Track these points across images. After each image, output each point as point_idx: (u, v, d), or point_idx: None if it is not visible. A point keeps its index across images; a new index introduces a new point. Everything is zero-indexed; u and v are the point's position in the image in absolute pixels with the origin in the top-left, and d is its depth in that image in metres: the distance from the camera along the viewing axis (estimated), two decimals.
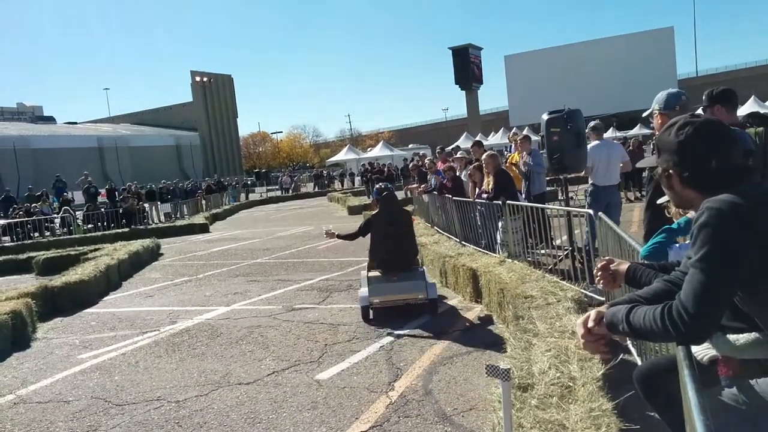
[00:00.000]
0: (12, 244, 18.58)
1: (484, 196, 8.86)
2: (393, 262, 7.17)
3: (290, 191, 43.95)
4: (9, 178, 51.94)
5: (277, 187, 48.88)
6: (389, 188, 7.81)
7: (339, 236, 7.76)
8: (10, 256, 14.69)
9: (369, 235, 7.45)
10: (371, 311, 6.95)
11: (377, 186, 7.97)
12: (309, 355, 5.88)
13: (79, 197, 29.73)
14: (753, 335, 2.01)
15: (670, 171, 2.07)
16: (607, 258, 2.70)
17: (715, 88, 4.31)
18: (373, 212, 7.72)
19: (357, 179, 43.12)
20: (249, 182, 54.36)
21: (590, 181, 8.27)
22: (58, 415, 4.88)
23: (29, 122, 74.65)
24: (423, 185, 13.77)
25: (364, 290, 7.05)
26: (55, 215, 23.36)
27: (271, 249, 14.24)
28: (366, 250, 7.75)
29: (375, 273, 7.21)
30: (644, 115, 4.36)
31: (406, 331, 6.39)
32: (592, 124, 8.85)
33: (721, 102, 4.21)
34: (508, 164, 10.85)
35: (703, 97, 4.33)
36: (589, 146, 8.18)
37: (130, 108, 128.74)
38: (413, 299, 6.97)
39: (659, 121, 3.93)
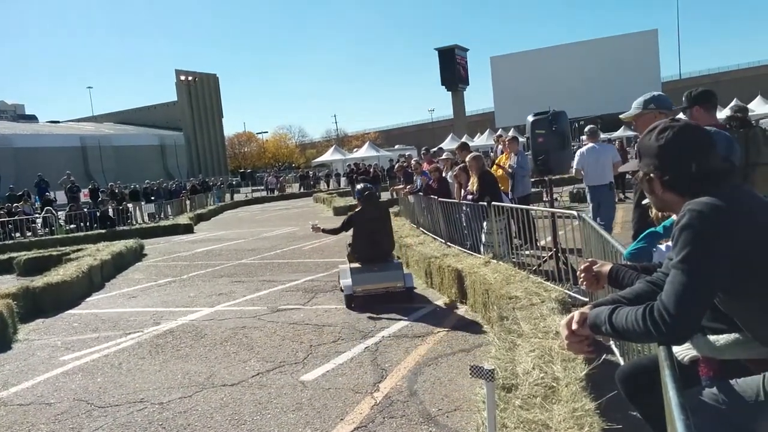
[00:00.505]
0: None
1: (470, 197, 8.89)
2: (373, 255, 7.90)
3: (275, 192, 43.81)
4: None
5: (262, 187, 48.69)
6: (370, 188, 8.57)
7: (324, 230, 8.47)
8: None
9: (351, 230, 8.10)
10: (353, 299, 7.62)
11: (359, 186, 8.66)
12: (294, 356, 5.87)
13: (61, 197, 29.42)
14: (733, 336, 2.04)
15: (651, 175, 2.10)
16: (590, 259, 2.72)
17: (694, 89, 4.34)
18: (356, 210, 8.30)
19: (343, 180, 43.07)
20: (234, 182, 54.06)
21: (586, 185, 8.73)
22: (39, 418, 4.83)
23: (11, 121, 73.71)
24: (409, 186, 13.79)
25: (347, 281, 7.65)
26: (37, 215, 23.12)
27: (257, 250, 14.19)
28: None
29: (356, 265, 7.87)
30: (622, 116, 4.30)
31: (391, 332, 6.40)
32: (588, 128, 9.24)
33: (701, 103, 4.24)
34: (495, 166, 10.90)
35: (683, 99, 4.36)
36: (578, 150, 8.45)
37: (114, 107, 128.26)
38: (392, 287, 7.64)
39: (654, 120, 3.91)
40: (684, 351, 2.26)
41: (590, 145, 8.73)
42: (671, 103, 4.01)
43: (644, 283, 2.28)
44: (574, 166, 8.60)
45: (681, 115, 4.04)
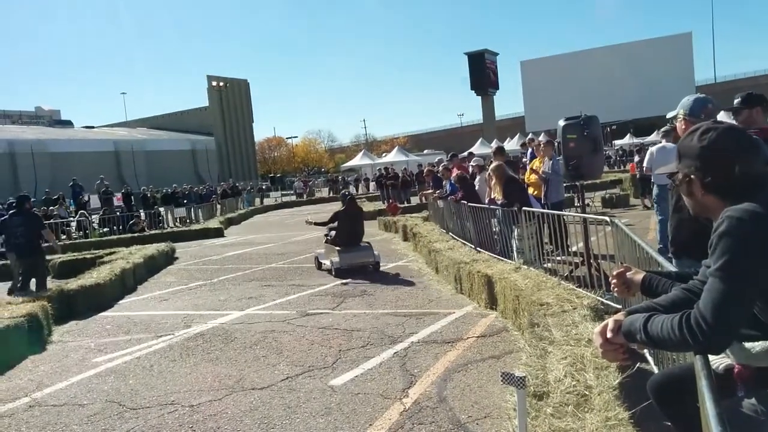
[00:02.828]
0: None
1: (499, 201, 8.82)
2: (351, 241, 10.81)
3: (304, 196, 44.05)
4: (26, 181, 52.45)
5: (292, 191, 48.99)
6: (351, 194, 12.79)
7: (316, 223, 11.58)
8: None
9: (335, 222, 10.95)
10: (341, 271, 10.42)
11: (343, 192, 13.03)
12: (323, 360, 5.87)
13: (95, 201, 29.98)
14: None
15: (692, 176, 2.06)
16: (624, 265, 2.68)
17: (751, 91, 4.28)
18: (340, 209, 11.13)
19: (372, 184, 43.14)
20: (264, 187, 54.50)
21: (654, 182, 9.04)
22: (72, 419, 4.90)
23: (47, 126, 75.38)
24: (438, 191, 13.74)
25: (336, 258, 10.53)
26: (72, 218, 23.55)
27: (286, 254, 14.27)
28: None
29: (338, 248, 10.60)
30: (668, 116, 4.28)
31: (420, 338, 6.38)
32: (663, 129, 9.67)
33: (762, 104, 4.18)
34: (529, 171, 10.82)
35: (738, 100, 4.27)
36: (651, 148, 8.87)
37: (147, 112, 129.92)
38: (367, 262, 10.67)
39: (683, 127, 3.86)
40: (719, 360, 2.21)
41: (661, 144, 8.94)
42: (701, 110, 3.92)
43: (680, 291, 2.24)
44: (645, 165, 8.97)
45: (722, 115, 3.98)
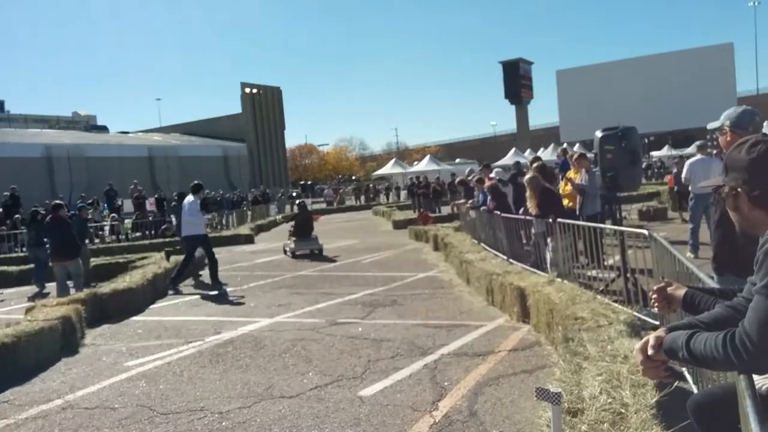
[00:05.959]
0: None
1: (533, 213, 8.72)
2: (304, 234, 15.75)
3: (334, 204, 44.21)
4: (63, 185, 53.41)
5: (322, 199, 49.26)
6: (305, 203, 18.67)
7: (286, 220, 18.71)
8: None
9: (294, 221, 16.36)
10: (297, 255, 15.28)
11: (299, 202, 18.67)
12: (352, 370, 5.84)
13: (128, 205, 30.48)
14: None
15: (739, 189, 2.01)
16: (665, 280, 2.62)
17: None
18: (297, 212, 16.79)
19: (403, 193, 43.19)
20: (295, 194, 54.83)
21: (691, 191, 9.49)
22: (104, 422, 4.94)
23: (83, 131, 76.93)
24: (470, 201, 13.66)
25: (293, 245, 15.53)
26: (105, 223, 23.91)
27: (315, 262, 14.29)
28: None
29: (295, 238, 15.64)
30: (709, 127, 4.16)
31: (451, 350, 6.31)
32: (697, 142, 10.58)
33: None
34: (564, 180, 10.71)
35: None
36: (688, 161, 9.59)
37: (181, 118, 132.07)
38: (314, 248, 15.52)
39: (728, 139, 3.74)
40: (763, 380, 2.15)
41: (699, 156, 9.28)
42: (749, 122, 3.81)
43: (723, 308, 2.19)
44: (683, 175, 9.40)
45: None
